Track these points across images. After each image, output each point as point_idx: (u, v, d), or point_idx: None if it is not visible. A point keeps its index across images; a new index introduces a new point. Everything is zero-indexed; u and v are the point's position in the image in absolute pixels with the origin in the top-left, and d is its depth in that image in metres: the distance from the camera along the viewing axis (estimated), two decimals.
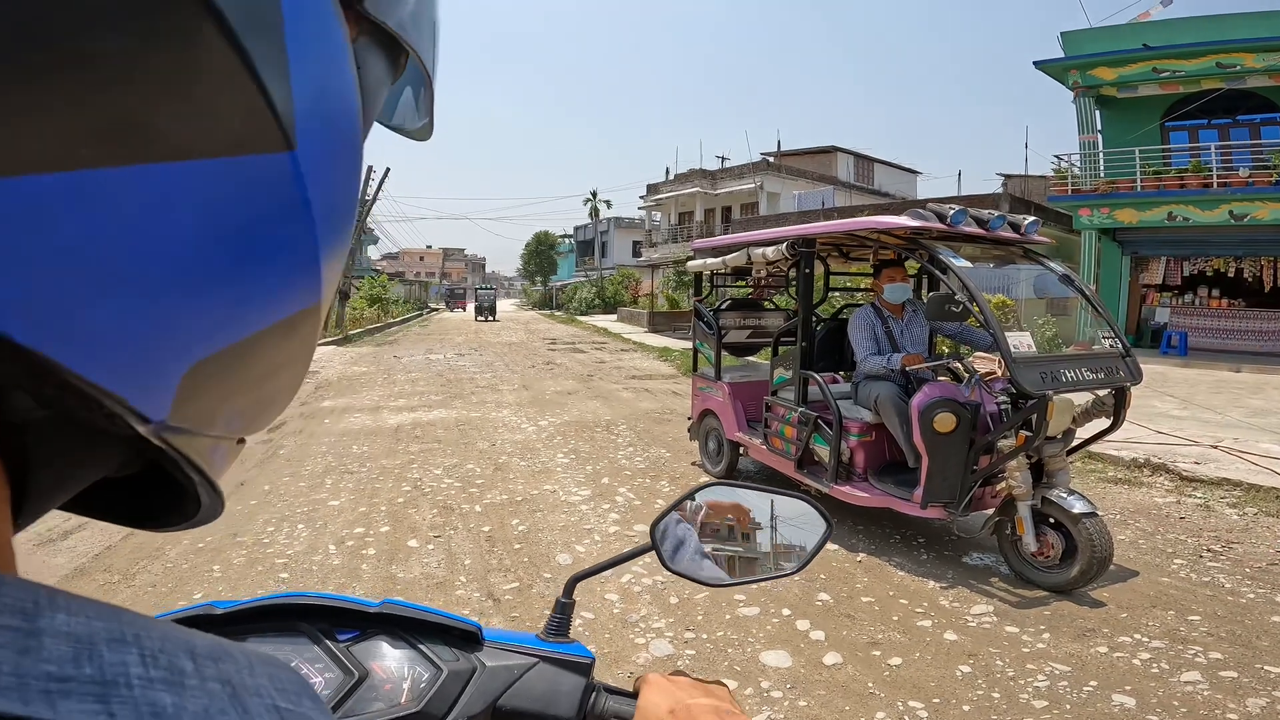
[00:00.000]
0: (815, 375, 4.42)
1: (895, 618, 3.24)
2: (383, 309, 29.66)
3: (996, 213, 4.02)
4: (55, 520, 4.16)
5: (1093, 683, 2.70)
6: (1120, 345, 3.85)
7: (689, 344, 11.52)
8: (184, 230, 0.18)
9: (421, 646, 0.60)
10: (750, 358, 6.23)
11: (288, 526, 4.35)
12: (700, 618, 3.21)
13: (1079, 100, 15.31)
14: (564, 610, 0.69)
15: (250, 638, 0.58)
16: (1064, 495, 3.45)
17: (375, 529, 4.36)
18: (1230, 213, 13.20)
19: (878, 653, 2.93)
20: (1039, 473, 3.63)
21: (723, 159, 34.55)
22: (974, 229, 3.90)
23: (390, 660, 0.58)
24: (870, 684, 2.70)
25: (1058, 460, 3.59)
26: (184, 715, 0.16)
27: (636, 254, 38.94)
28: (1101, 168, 15.02)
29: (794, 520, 0.77)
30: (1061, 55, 15.46)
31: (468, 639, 0.62)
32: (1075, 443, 3.86)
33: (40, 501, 0.21)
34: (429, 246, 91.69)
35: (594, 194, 45.24)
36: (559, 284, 47.35)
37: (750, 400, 5.34)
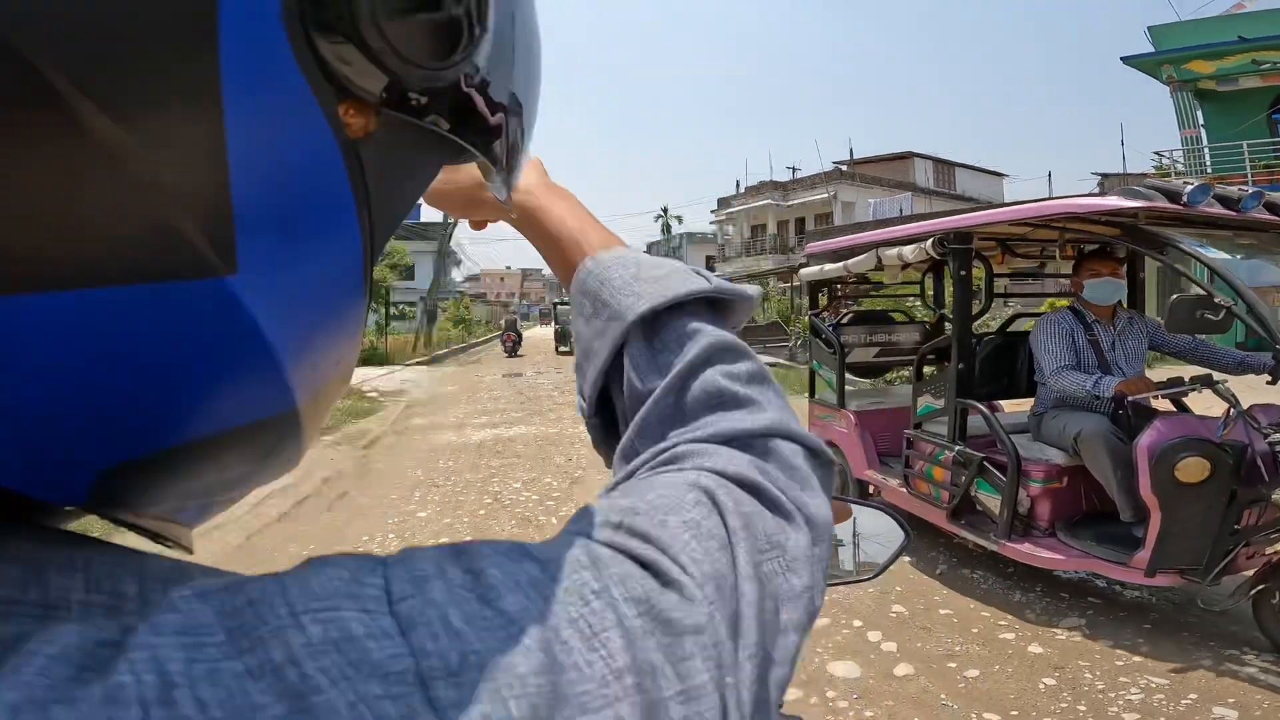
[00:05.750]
0: (979, 405, 3.59)
1: (975, 630, 3.16)
2: (466, 330, 31.02)
3: (1250, 189, 3.16)
4: None
5: (1192, 695, 2.56)
6: None
7: (770, 359, 11.29)
8: (77, 358, 0.16)
9: None
10: (878, 379, 5.51)
11: (380, 536, 4.63)
12: None
13: (1176, 95, 14.47)
14: None
15: None
16: None
17: (458, 540, 4.57)
18: None
19: (954, 665, 2.87)
20: None
21: (793, 169, 34.24)
22: (1217, 210, 3.04)
23: None
24: (943, 695, 2.65)
25: None
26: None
27: (710, 268, 38.84)
28: (1207, 162, 14.07)
29: (871, 530, 0.78)
30: (1151, 50, 14.67)
31: None
32: None
33: None
34: (508, 267, 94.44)
35: (665, 210, 45.64)
36: None
37: (882, 432, 4.52)
